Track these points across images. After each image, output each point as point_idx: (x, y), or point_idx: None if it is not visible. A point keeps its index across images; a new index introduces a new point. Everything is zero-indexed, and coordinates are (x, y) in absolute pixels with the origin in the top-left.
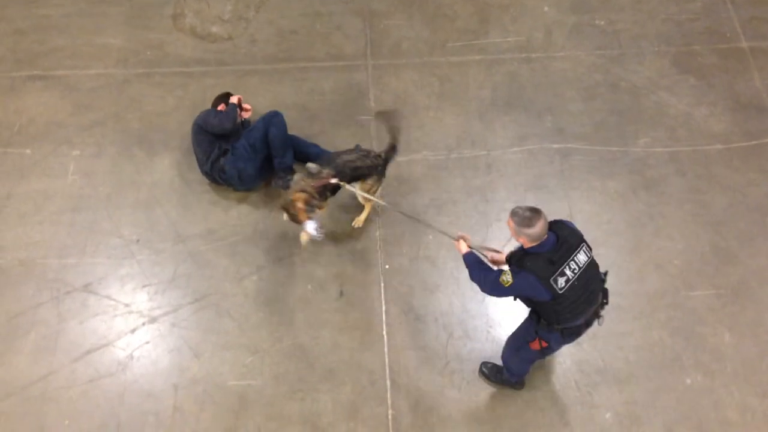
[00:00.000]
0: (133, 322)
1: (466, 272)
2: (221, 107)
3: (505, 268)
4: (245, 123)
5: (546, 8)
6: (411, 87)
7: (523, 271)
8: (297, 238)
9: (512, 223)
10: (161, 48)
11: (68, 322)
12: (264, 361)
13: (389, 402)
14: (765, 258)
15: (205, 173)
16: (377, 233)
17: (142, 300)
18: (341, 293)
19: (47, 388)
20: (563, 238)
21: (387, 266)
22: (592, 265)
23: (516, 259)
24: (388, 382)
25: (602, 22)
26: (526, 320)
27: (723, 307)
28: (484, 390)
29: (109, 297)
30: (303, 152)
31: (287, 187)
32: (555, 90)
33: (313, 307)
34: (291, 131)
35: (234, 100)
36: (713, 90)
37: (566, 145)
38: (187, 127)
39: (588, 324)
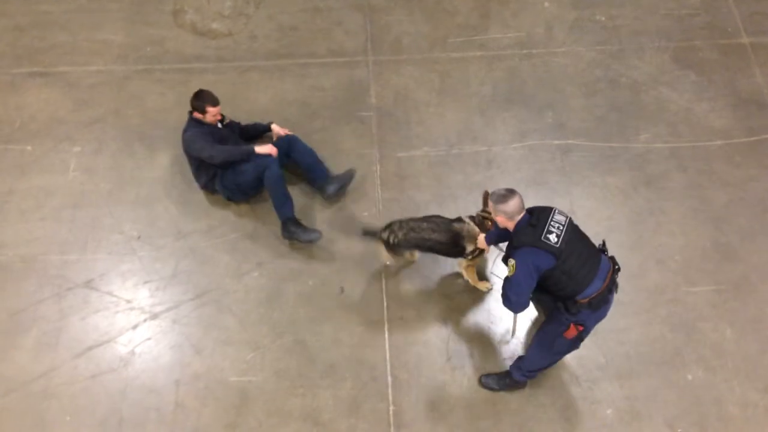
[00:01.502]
0: (135, 319)
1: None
2: (198, 116)
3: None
4: (233, 126)
5: (546, 4)
6: (411, 83)
7: (517, 250)
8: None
9: (490, 203)
10: (161, 44)
11: (70, 318)
12: (265, 357)
13: (390, 398)
14: (766, 254)
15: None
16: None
17: (143, 296)
18: (342, 289)
19: (49, 385)
20: (535, 211)
21: (388, 262)
22: (573, 225)
23: (509, 246)
24: (389, 378)
25: (603, 18)
26: (552, 315)
27: (724, 303)
28: None
29: (110, 293)
30: (300, 162)
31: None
32: (555, 86)
33: (314, 303)
34: (291, 128)
35: (266, 151)
36: (714, 86)
37: (567, 141)
38: None
39: (610, 290)
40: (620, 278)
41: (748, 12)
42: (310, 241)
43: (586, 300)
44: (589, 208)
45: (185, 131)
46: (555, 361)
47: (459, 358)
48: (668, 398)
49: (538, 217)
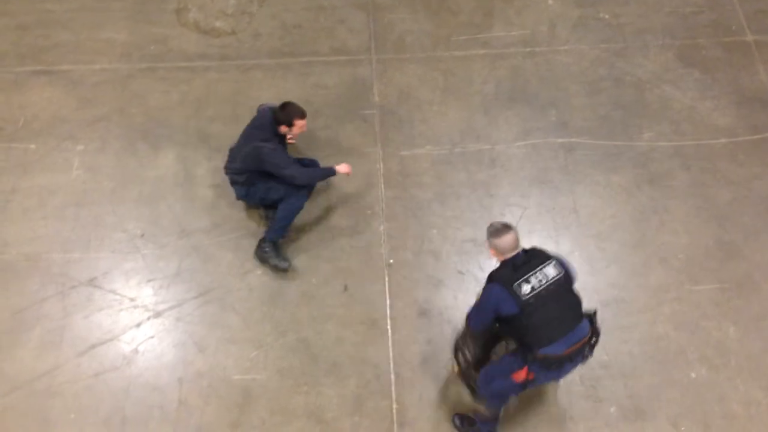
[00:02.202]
0: (138, 317)
1: (470, 266)
2: (284, 129)
3: None
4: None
5: (550, 1)
6: (415, 81)
7: (490, 282)
8: (301, 233)
9: (486, 234)
10: (165, 43)
11: (73, 316)
12: (268, 355)
13: (393, 396)
14: None
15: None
16: (381, 227)
17: (146, 294)
18: (345, 288)
19: (53, 383)
20: (532, 254)
21: (391, 260)
22: (564, 282)
23: (489, 274)
24: (393, 376)
25: (606, 16)
26: (514, 352)
27: (727, 301)
28: None
29: (114, 291)
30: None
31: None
32: (559, 84)
33: (317, 302)
34: None
35: (345, 171)
36: (718, 84)
37: (570, 139)
38: (192, 122)
39: (572, 359)
40: (624, 276)
41: (753, 10)
42: (277, 268)
43: (542, 355)
44: (593, 207)
45: (264, 142)
46: (493, 397)
47: None
48: (672, 396)
49: (527, 260)
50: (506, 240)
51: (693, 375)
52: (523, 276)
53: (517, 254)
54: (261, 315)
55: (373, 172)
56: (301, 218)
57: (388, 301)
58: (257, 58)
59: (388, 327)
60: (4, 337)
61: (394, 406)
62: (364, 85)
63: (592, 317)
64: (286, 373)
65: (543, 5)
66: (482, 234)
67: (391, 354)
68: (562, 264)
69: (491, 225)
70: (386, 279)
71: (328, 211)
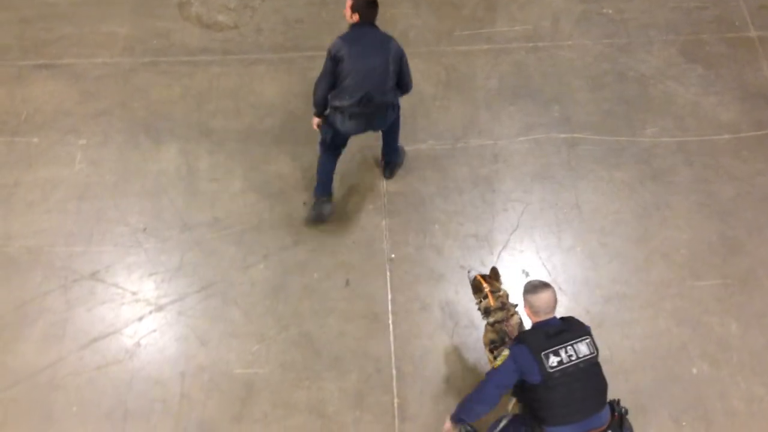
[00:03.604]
0: (141, 310)
1: (471, 261)
2: None
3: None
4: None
5: None
6: (418, 76)
7: (518, 343)
8: (303, 227)
9: (522, 291)
10: (167, 37)
11: (76, 309)
12: (270, 349)
13: (395, 390)
14: None
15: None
16: (383, 222)
17: (149, 288)
18: (347, 282)
19: (55, 376)
20: (568, 324)
21: (393, 255)
22: (594, 364)
23: (518, 334)
24: (394, 371)
25: (610, 11)
26: (518, 417)
27: (730, 297)
28: None
29: (116, 285)
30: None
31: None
32: (562, 79)
33: (319, 296)
34: (297, 121)
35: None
36: (721, 79)
37: (573, 134)
38: (194, 116)
39: None
40: (626, 271)
41: (756, 5)
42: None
43: None
44: (596, 202)
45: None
46: None
47: (464, 351)
48: (673, 392)
49: (561, 332)
50: (542, 299)
51: (695, 371)
52: (554, 347)
53: (552, 320)
54: (263, 309)
55: (375, 167)
56: (301, 212)
57: (389, 296)
58: (260, 52)
59: (390, 321)
60: (7, 331)
61: (396, 400)
62: None
63: (614, 405)
64: (288, 367)
65: (546, 0)
66: (484, 229)
67: (392, 348)
68: (595, 344)
69: (528, 282)
70: (388, 273)
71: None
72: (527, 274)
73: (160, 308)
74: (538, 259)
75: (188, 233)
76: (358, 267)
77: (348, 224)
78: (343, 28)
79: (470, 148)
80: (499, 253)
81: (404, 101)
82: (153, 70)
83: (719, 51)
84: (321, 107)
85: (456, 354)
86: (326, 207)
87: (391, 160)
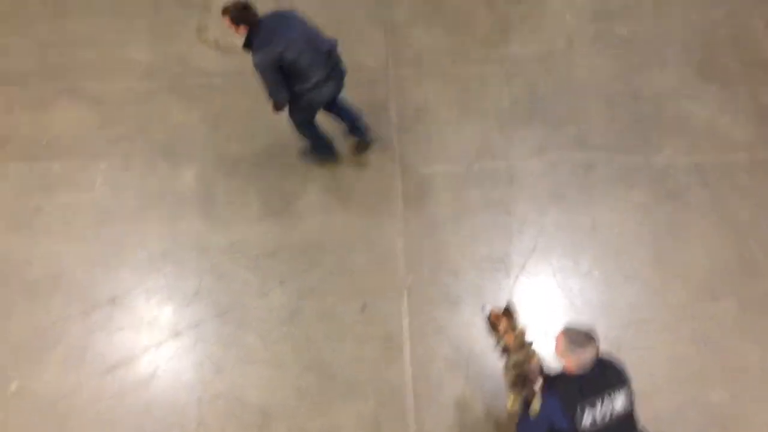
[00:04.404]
0: (158, 336)
1: (488, 283)
2: None
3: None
4: None
5: (567, 17)
6: (432, 97)
7: (550, 394)
8: (319, 251)
9: (563, 340)
10: (185, 61)
11: (95, 335)
12: (286, 375)
13: (412, 416)
14: None
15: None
16: (399, 245)
17: (167, 314)
18: (363, 306)
19: (74, 402)
20: (605, 370)
21: (409, 278)
22: (629, 420)
23: (550, 378)
24: (411, 397)
25: (624, 31)
26: None
27: (749, 320)
28: None
29: (134, 310)
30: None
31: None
32: (576, 99)
33: (335, 321)
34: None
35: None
36: (736, 99)
37: (588, 155)
38: (211, 139)
39: None
40: (644, 294)
41: None
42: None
43: None
44: (612, 224)
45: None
46: None
47: (481, 377)
48: (692, 418)
49: (597, 380)
50: (588, 354)
51: (714, 396)
52: (589, 399)
53: (590, 372)
54: (279, 335)
55: (390, 189)
56: (317, 236)
57: (406, 320)
58: None
59: (406, 347)
60: (27, 356)
61: (413, 427)
62: (382, 101)
63: None
64: (304, 393)
65: (560, 21)
66: (500, 252)
67: (409, 373)
68: (632, 392)
69: (571, 331)
70: (404, 297)
71: (346, 228)
72: (545, 298)
73: (177, 334)
74: (555, 282)
75: (206, 258)
76: (374, 291)
77: (364, 248)
78: (360, 48)
79: (485, 170)
80: (517, 276)
81: (419, 123)
82: (171, 94)
83: (734, 70)
84: (287, 102)
85: (473, 379)
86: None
87: (356, 125)
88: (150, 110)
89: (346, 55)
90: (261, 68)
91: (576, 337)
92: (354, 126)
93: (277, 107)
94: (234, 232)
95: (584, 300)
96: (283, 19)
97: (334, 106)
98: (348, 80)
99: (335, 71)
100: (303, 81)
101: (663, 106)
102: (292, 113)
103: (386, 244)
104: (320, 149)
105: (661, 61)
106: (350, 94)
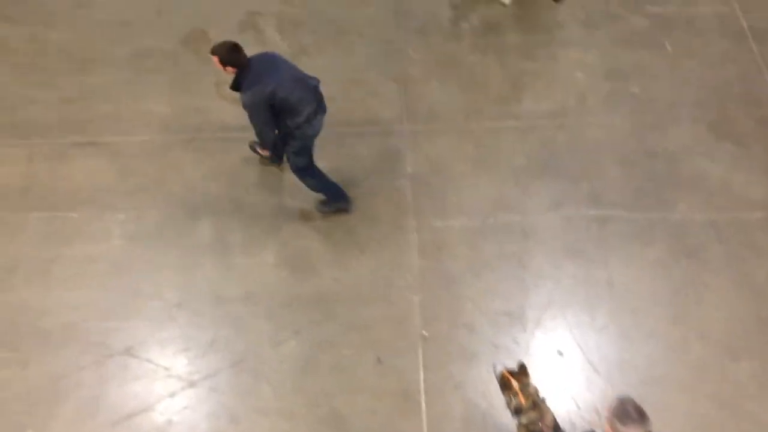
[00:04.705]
0: (173, 386)
1: (504, 339)
2: None
3: None
4: None
5: (579, 75)
6: (446, 152)
7: None
8: (333, 303)
9: (615, 414)
10: (204, 114)
11: (109, 385)
12: (299, 428)
13: None
14: None
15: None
16: (414, 298)
17: (181, 364)
18: (379, 359)
19: None
20: None
21: (425, 332)
22: None
23: None
24: None
25: (636, 89)
26: None
27: None
28: None
29: (149, 360)
30: None
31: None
32: (590, 156)
33: (349, 373)
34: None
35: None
36: (751, 156)
37: (603, 211)
38: (228, 191)
39: None
40: (662, 352)
41: None
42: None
43: None
44: (628, 280)
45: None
46: None
47: None
48: None
49: None
50: None
51: None
52: None
53: None
54: (293, 386)
55: (406, 243)
56: (332, 288)
57: (421, 374)
58: None
59: (422, 401)
60: (41, 406)
61: None
62: (396, 155)
63: None
64: None
65: (572, 79)
66: (516, 306)
67: (425, 429)
68: None
69: (624, 407)
70: (420, 351)
71: (361, 280)
72: (561, 354)
73: (192, 384)
74: (571, 338)
75: (221, 308)
76: (389, 344)
77: (378, 300)
78: (374, 102)
79: (500, 225)
80: (532, 331)
81: (433, 177)
82: (189, 147)
83: (748, 128)
84: (275, 143)
85: None
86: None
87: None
88: (167, 162)
89: (361, 109)
90: (251, 107)
91: (626, 412)
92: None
93: (267, 147)
94: (249, 282)
95: (600, 356)
96: (269, 60)
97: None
98: (362, 132)
99: (321, 106)
100: (295, 115)
101: (677, 164)
102: (293, 161)
103: (401, 298)
104: (333, 197)
105: (675, 119)
106: (364, 147)
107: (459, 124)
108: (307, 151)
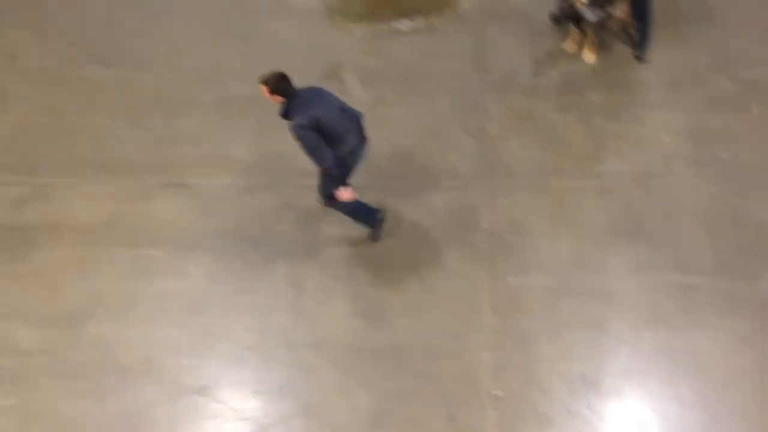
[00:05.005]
0: (243, 429)
1: (579, 406)
2: None
3: None
4: None
5: (665, 137)
6: (524, 209)
7: None
8: (405, 355)
9: None
10: (284, 160)
11: (181, 424)
12: None
13: None
14: None
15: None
16: (487, 356)
17: (252, 407)
18: (451, 417)
19: None
20: None
21: (497, 392)
22: None
23: None
24: None
25: (724, 154)
26: None
27: None
28: None
29: (221, 401)
30: None
31: None
32: (674, 221)
33: (421, 428)
34: (401, 245)
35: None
36: None
37: (687, 278)
38: (304, 237)
39: None
40: (750, 430)
41: None
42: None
43: None
44: (713, 353)
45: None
46: None
47: None
48: None
49: None
50: None
51: None
52: None
53: None
54: None
55: (479, 298)
56: (403, 339)
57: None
58: (368, 178)
59: None
60: None
61: None
62: (473, 209)
63: None
64: None
65: (657, 141)
66: (593, 371)
67: None
68: None
69: None
70: (492, 411)
71: (433, 333)
72: (640, 426)
73: (262, 428)
74: (650, 410)
75: (293, 353)
76: (462, 401)
77: (451, 356)
78: (453, 155)
79: (578, 286)
80: (610, 399)
81: (509, 233)
82: (268, 192)
83: None
84: (336, 166)
85: None
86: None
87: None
88: (246, 206)
89: (438, 161)
90: (301, 131)
91: None
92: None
93: (326, 165)
94: (321, 329)
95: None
96: (316, 91)
97: None
98: (439, 185)
99: (363, 137)
100: (341, 145)
101: (766, 232)
102: (328, 189)
103: (474, 354)
104: (366, 216)
105: (764, 186)
106: (440, 199)
107: (538, 181)
108: (343, 182)
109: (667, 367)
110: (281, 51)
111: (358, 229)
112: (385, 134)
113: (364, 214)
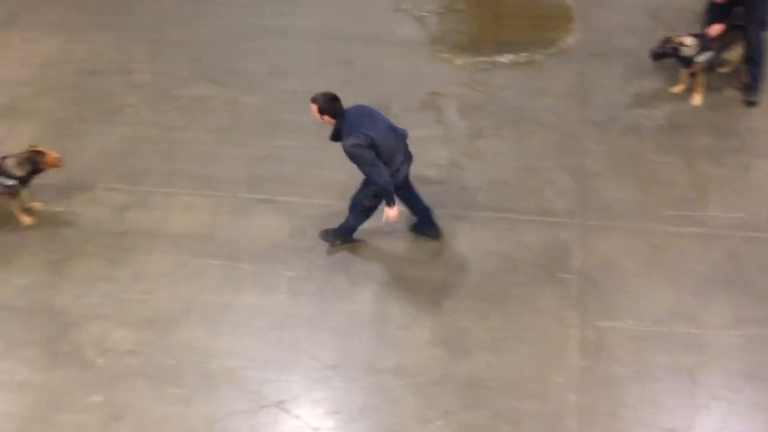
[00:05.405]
0: None
1: None
2: None
3: None
4: None
5: None
6: (619, 250)
7: None
8: (485, 390)
9: None
10: None
11: None
12: None
13: None
14: None
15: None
16: (572, 398)
17: (329, 426)
18: None
19: None
20: None
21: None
22: None
23: None
24: None
25: None
26: None
27: None
28: None
29: (299, 417)
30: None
31: None
32: None
33: None
34: (488, 279)
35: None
36: None
37: None
38: (390, 262)
39: None
40: None
41: None
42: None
43: None
44: None
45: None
46: None
47: None
48: None
49: None
50: None
51: None
52: None
53: None
54: None
55: (566, 339)
56: (485, 373)
57: None
58: (461, 208)
59: None
60: None
61: None
62: (565, 248)
63: None
64: None
65: (765, 190)
66: (682, 424)
67: None
68: None
69: None
70: None
71: (516, 370)
72: None
73: None
74: None
75: (374, 377)
76: None
77: (533, 396)
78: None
79: (672, 334)
80: None
81: (602, 275)
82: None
83: None
84: (389, 181)
85: None
86: None
87: (428, 216)
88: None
89: (533, 197)
90: (358, 150)
91: None
92: (426, 216)
93: (383, 185)
94: (403, 355)
95: None
96: (365, 111)
97: (410, 196)
98: (533, 221)
99: (408, 155)
100: (390, 164)
101: None
102: (365, 200)
103: (558, 396)
104: (349, 233)
105: None
106: (533, 235)
107: (635, 223)
108: (394, 200)
109: (764, 424)
110: (382, 78)
111: (445, 258)
112: (480, 166)
113: (350, 231)
